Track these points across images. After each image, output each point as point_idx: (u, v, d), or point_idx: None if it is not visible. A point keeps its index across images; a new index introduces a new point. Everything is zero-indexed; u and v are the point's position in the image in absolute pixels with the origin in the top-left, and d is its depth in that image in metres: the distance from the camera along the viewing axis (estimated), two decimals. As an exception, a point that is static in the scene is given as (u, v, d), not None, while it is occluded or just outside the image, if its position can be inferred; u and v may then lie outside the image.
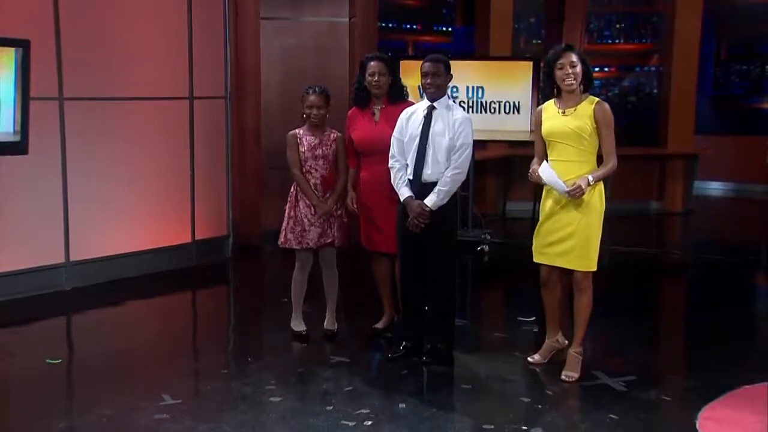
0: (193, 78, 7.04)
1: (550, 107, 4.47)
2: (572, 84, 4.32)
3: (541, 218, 4.54)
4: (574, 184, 4.27)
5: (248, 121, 7.88)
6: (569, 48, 4.37)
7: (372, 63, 4.97)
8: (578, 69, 4.31)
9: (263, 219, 7.96)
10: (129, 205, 6.65)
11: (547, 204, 4.48)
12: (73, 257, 6.32)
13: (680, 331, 6.09)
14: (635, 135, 10.41)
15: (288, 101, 8.18)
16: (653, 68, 10.77)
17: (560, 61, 4.32)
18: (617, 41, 10.89)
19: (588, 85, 4.40)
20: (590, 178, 4.29)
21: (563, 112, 4.37)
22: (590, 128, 4.32)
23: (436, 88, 4.63)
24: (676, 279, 7.63)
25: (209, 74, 7.20)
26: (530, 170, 4.50)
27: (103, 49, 6.36)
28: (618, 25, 10.86)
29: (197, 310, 6.51)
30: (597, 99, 4.39)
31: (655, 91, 10.71)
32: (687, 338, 5.84)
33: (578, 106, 4.35)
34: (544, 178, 4.37)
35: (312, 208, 4.99)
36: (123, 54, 6.49)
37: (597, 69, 10.85)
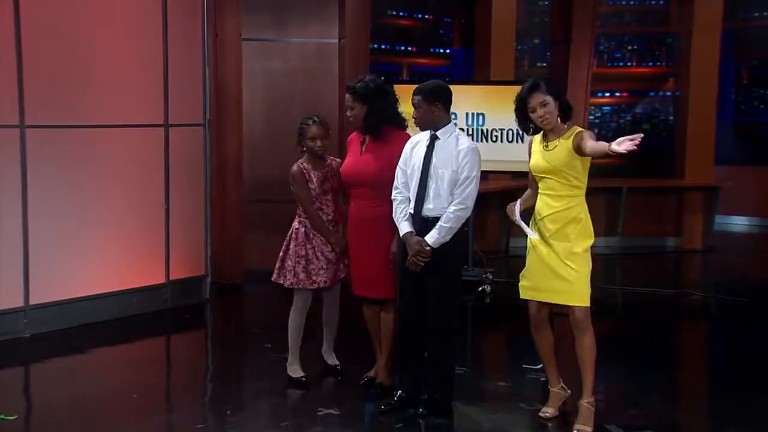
0: (169, 103, 7.05)
1: (537, 140, 4.63)
2: (549, 123, 4.46)
3: (528, 255, 4.69)
4: None
5: (229, 150, 7.91)
6: (535, 87, 4.49)
7: (346, 95, 4.99)
8: (550, 107, 4.44)
9: (246, 257, 7.94)
10: (96, 242, 6.63)
11: (533, 239, 4.62)
12: (33, 300, 6.27)
13: (702, 380, 6.06)
14: (650, 166, 10.45)
15: (273, 128, 8.23)
16: (669, 93, 10.83)
17: (530, 105, 4.47)
18: (629, 64, 10.95)
19: (566, 115, 4.52)
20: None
21: (546, 146, 4.52)
22: (573, 161, 4.42)
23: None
24: (697, 323, 7.60)
25: (186, 99, 7.22)
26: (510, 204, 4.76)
27: (70, 72, 6.38)
28: (630, 47, 10.93)
29: (171, 358, 6.47)
30: (579, 130, 4.48)
31: (671, 118, 10.77)
32: (710, 388, 5.81)
33: (560, 140, 4.47)
34: (516, 217, 4.67)
35: (329, 245, 5.08)
36: (91, 77, 6.51)
37: (608, 94, 10.94)
